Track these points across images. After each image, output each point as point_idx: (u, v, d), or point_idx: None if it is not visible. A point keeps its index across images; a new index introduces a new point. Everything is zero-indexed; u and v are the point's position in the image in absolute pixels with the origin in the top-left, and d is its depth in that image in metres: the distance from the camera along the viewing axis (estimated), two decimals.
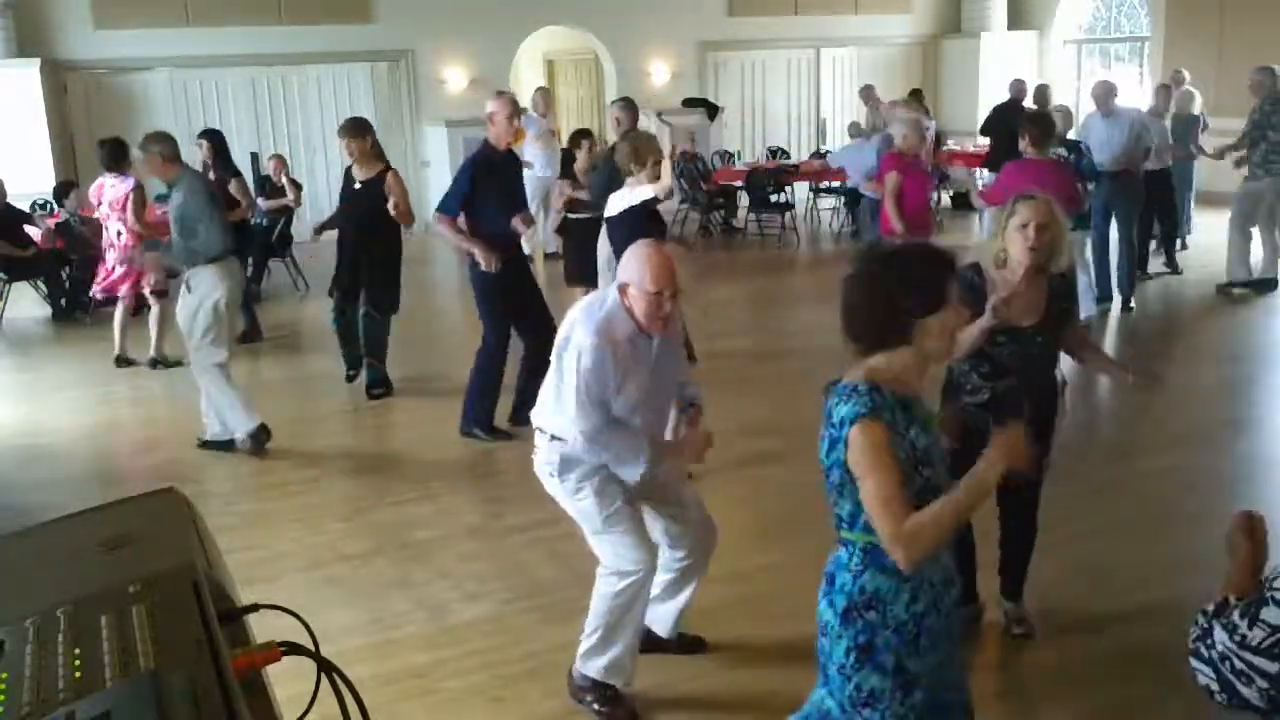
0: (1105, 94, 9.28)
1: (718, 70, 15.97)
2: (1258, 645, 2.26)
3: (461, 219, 6.30)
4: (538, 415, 3.59)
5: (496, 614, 4.42)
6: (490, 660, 4.07)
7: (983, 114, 16.06)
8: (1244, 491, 5.63)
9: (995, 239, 3.80)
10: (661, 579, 3.88)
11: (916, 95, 13.24)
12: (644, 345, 3.38)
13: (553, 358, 3.45)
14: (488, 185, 6.13)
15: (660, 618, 3.97)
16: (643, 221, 5.95)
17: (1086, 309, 8.53)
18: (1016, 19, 17.05)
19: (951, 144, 14.07)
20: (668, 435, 3.60)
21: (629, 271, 3.34)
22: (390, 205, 6.91)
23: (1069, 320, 3.90)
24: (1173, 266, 10.46)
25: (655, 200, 6.21)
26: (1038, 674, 3.96)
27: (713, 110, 14.15)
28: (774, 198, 13.22)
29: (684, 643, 4.02)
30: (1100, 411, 6.88)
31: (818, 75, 16.69)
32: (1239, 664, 2.29)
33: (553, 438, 3.51)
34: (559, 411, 3.43)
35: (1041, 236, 3.62)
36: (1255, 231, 9.68)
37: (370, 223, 7.06)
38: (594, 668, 3.65)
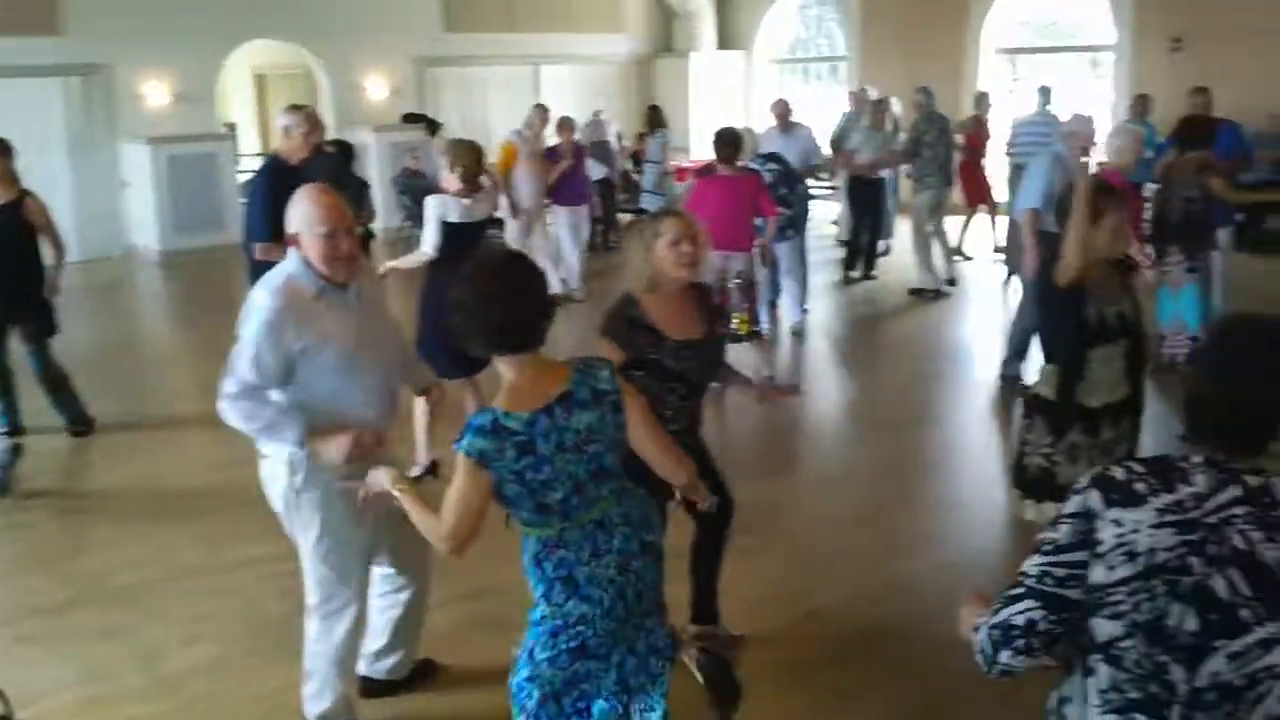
0: (783, 112, 9.84)
1: (437, 86, 15.85)
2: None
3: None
4: None
5: (220, 656, 4.19)
6: (217, 706, 3.86)
7: (695, 130, 16.76)
8: (937, 476, 6.13)
9: (635, 264, 3.59)
10: (385, 619, 3.73)
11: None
12: (338, 297, 3.22)
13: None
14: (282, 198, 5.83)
15: (393, 665, 3.83)
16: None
17: (794, 316, 9.05)
18: (725, 39, 17.88)
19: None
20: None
21: (295, 221, 3.19)
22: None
23: (718, 319, 3.92)
24: (867, 271, 11.19)
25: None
26: (756, 668, 3.99)
27: (433, 126, 13.99)
28: None
29: (417, 670, 3.90)
30: (806, 405, 7.29)
31: (538, 92, 16.83)
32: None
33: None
34: None
35: (694, 250, 3.53)
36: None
37: (13, 251, 6.45)
38: (313, 714, 3.55)
